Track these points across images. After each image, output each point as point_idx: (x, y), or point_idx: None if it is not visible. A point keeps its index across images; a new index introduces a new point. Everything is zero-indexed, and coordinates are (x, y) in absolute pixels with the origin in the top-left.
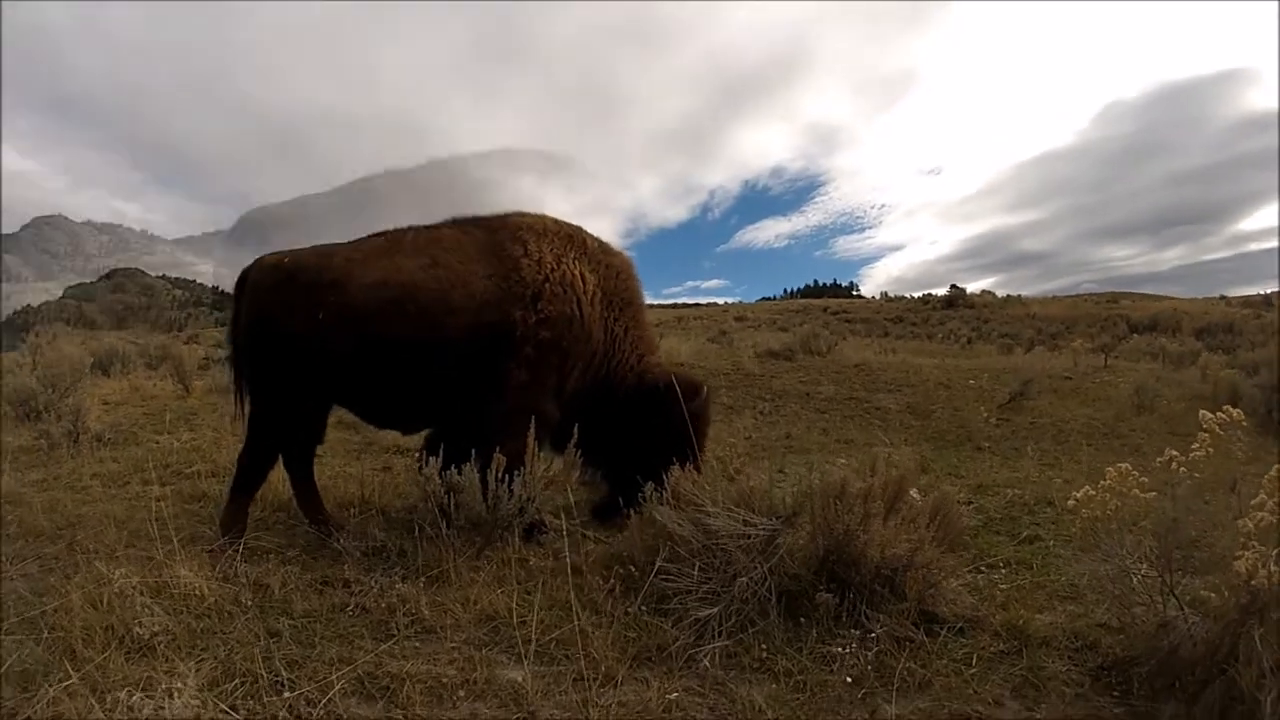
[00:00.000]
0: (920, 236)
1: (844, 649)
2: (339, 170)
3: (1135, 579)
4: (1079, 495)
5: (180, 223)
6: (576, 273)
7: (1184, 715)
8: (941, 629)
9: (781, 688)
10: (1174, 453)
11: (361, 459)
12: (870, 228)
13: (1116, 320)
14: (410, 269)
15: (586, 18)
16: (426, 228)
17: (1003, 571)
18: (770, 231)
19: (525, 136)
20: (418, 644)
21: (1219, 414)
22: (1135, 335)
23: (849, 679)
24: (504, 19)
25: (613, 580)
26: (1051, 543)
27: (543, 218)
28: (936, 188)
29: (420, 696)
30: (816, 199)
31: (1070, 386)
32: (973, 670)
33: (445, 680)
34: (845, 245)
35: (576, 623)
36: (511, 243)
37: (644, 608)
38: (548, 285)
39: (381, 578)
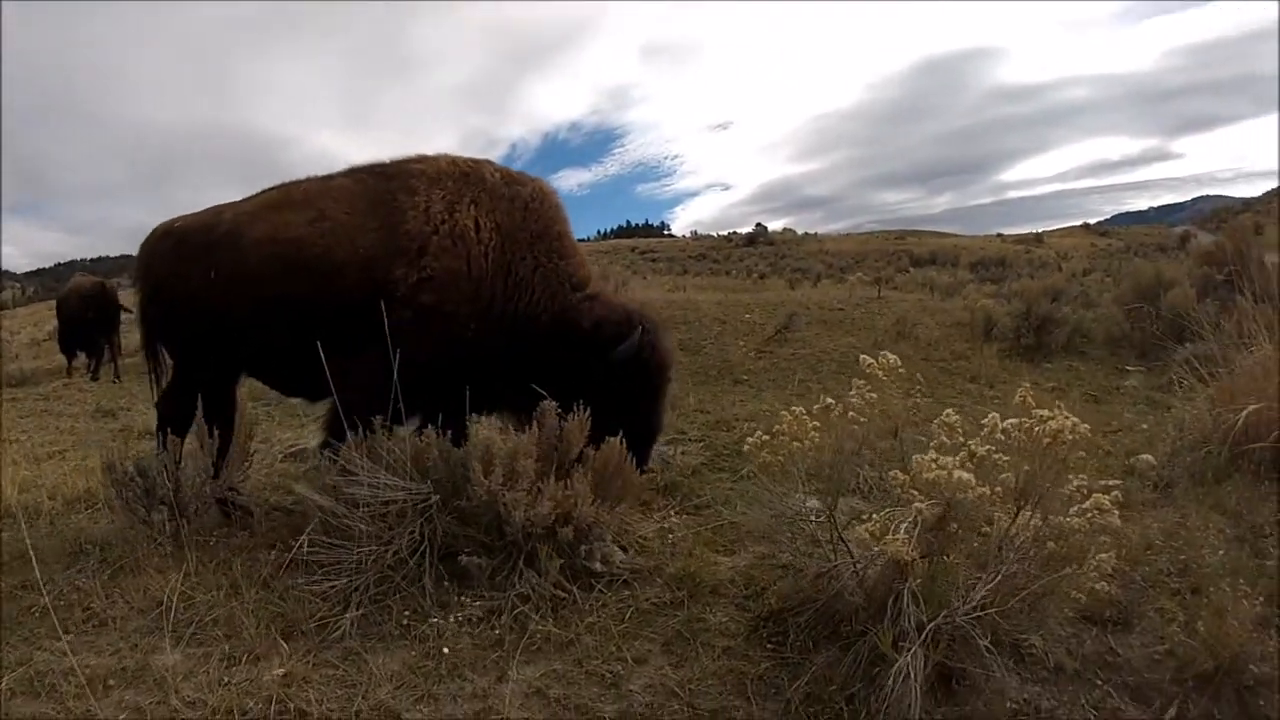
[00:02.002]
0: (714, 183)
1: (491, 611)
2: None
3: (813, 523)
4: (752, 440)
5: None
6: (470, 221)
7: (836, 663)
8: (598, 583)
9: (416, 655)
10: (830, 399)
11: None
12: (666, 176)
13: (901, 255)
14: (297, 224)
15: None
16: (322, 178)
17: (705, 513)
18: (572, 180)
19: (323, 89)
20: (91, 637)
21: (879, 359)
22: (914, 269)
23: (485, 643)
24: None
25: (274, 554)
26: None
27: (439, 159)
28: (726, 140)
29: (76, 689)
30: (614, 151)
31: (838, 317)
32: (624, 626)
33: (103, 671)
34: (644, 193)
35: (240, 602)
36: (403, 192)
37: (302, 580)
38: (435, 238)
39: (74, 575)
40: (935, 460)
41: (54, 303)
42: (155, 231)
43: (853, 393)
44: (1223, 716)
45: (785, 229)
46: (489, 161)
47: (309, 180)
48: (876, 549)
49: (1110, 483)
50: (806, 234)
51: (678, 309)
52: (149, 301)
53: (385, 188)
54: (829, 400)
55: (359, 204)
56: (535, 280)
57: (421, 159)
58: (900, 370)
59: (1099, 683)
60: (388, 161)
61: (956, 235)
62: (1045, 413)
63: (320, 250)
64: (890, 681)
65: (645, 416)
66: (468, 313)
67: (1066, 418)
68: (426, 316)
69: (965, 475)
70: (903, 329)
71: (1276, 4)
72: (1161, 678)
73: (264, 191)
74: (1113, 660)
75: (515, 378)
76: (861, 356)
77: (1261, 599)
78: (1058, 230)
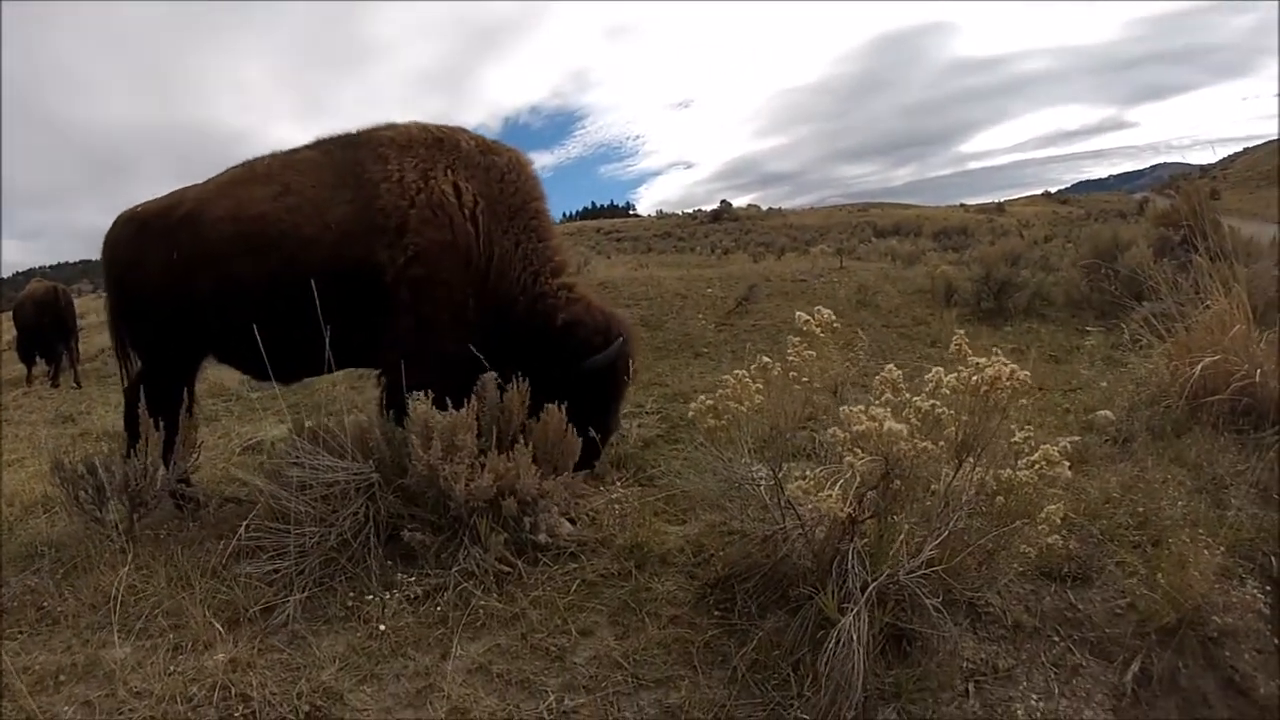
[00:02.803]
0: (678, 162)
1: (435, 588)
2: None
3: (761, 487)
4: (695, 405)
5: None
6: (448, 188)
7: (783, 629)
8: (544, 556)
9: (360, 635)
10: (766, 359)
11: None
12: (630, 156)
13: (864, 226)
14: (261, 199)
15: None
16: (287, 152)
17: (658, 484)
18: (536, 164)
19: (277, 80)
20: (44, 635)
21: (815, 315)
22: (878, 239)
23: (429, 620)
24: None
25: (223, 544)
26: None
27: (409, 126)
28: (688, 119)
29: (29, 686)
30: (576, 133)
31: (800, 288)
32: (570, 598)
33: (54, 667)
34: (608, 174)
35: (189, 593)
36: (372, 162)
37: (249, 566)
38: (413, 212)
39: (28, 576)
40: (865, 411)
41: (11, 312)
42: (118, 219)
43: (790, 351)
44: (1187, 669)
45: (750, 205)
46: (464, 129)
47: (273, 155)
48: (811, 505)
49: (1068, 439)
50: (771, 209)
51: (640, 286)
52: (114, 291)
53: (353, 158)
54: (765, 359)
55: (326, 176)
56: (516, 258)
57: (390, 126)
58: (836, 326)
59: (1059, 639)
60: (354, 131)
61: (920, 206)
62: (982, 360)
63: (286, 226)
64: (833, 644)
65: (603, 418)
66: (462, 282)
67: (1004, 364)
68: (423, 286)
69: (897, 426)
70: (864, 297)
71: None
72: (1123, 632)
73: (228, 170)
74: (1072, 616)
75: (493, 364)
76: (797, 313)
77: (1223, 549)
78: (1020, 199)
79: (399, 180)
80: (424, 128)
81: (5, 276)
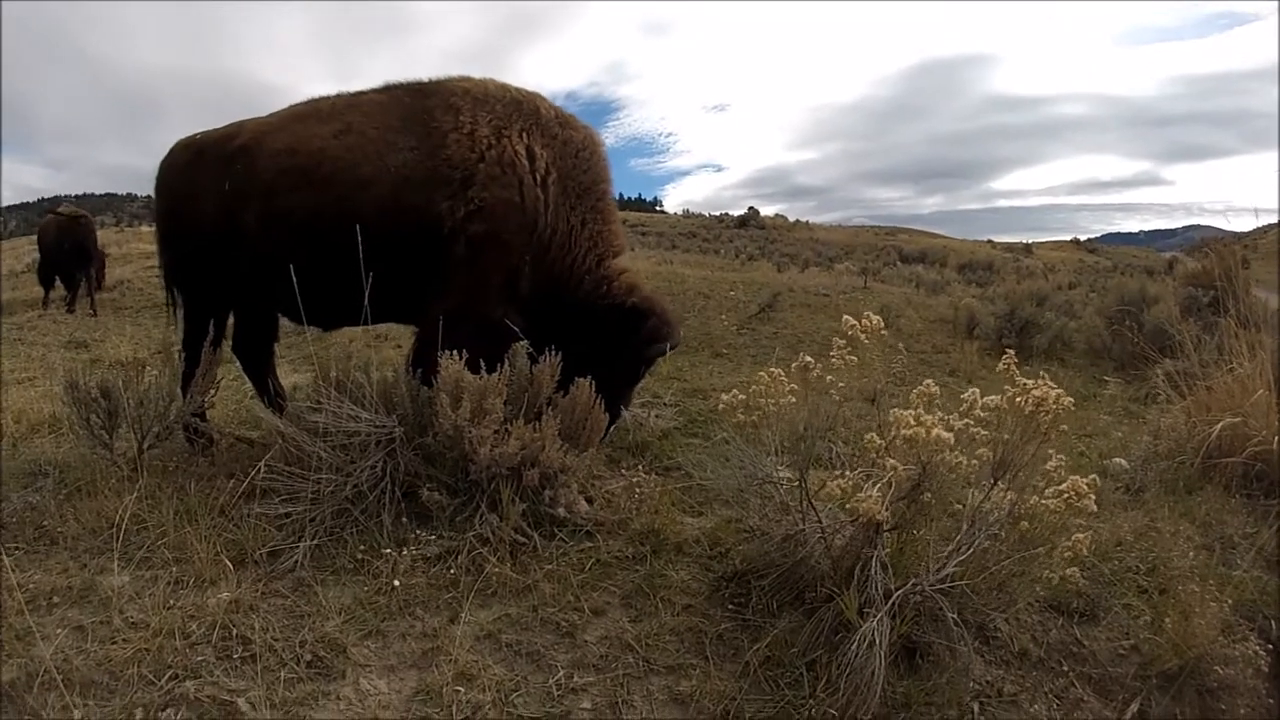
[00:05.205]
0: (708, 164)
1: (448, 551)
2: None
3: (782, 487)
4: (726, 398)
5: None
6: (521, 149)
7: (798, 629)
8: (560, 531)
9: (368, 590)
10: (809, 358)
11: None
12: (661, 153)
13: (890, 250)
14: (321, 135)
15: None
16: (353, 93)
17: (675, 474)
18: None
19: (314, 41)
20: (40, 555)
21: (863, 320)
22: (903, 264)
23: (440, 582)
24: None
25: (233, 483)
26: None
27: (487, 82)
28: (722, 122)
29: (23, 605)
30: (609, 123)
31: (823, 302)
32: (584, 576)
33: (49, 588)
34: (638, 168)
35: (194, 528)
36: (443, 112)
37: (258, 508)
38: (482, 166)
39: (30, 494)
40: (915, 416)
41: (34, 237)
42: (175, 146)
43: (833, 352)
44: (1184, 717)
45: (777, 215)
46: (543, 96)
47: (339, 95)
48: (849, 507)
49: (1087, 478)
50: (798, 221)
51: (662, 281)
52: (164, 218)
53: (422, 105)
54: (808, 359)
55: (391, 120)
56: (582, 237)
57: (466, 79)
58: (883, 333)
59: (1063, 671)
60: (426, 80)
61: (947, 237)
62: (1029, 382)
63: (344, 164)
64: (854, 647)
65: (624, 397)
66: (521, 246)
67: (1051, 387)
68: (481, 245)
69: (944, 434)
70: (886, 319)
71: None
72: (1125, 672)
73: (291, 106)
74: (1077, 651)
75: (528, 337)
76: (845, 317)
77: (1230, 604)
78: (1047, 243)
79: (470, 133)
80: (504, 86)
81: (30, 201)
